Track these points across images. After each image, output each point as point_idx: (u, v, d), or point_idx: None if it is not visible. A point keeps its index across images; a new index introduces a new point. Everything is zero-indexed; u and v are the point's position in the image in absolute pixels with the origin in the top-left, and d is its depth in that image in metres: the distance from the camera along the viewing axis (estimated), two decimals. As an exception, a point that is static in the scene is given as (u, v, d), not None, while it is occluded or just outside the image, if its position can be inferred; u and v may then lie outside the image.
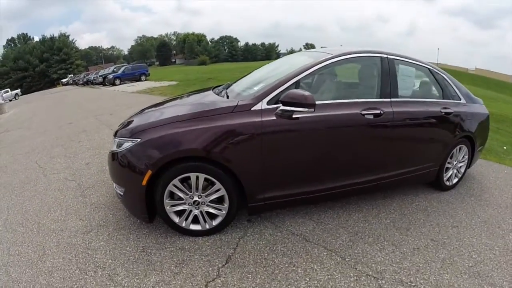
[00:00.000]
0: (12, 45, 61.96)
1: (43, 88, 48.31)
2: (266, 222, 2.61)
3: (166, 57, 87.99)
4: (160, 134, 2.09)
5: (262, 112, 2.18)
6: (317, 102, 2.22)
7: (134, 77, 25.16)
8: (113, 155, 2.23)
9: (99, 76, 28.04)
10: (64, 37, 59.08)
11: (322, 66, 2.49)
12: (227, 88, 2.95)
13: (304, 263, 2.10)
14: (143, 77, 25.41)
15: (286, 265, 2.07)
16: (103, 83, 25.56)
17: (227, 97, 2.54)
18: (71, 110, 11.56)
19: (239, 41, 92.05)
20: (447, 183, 3.28)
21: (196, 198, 2.22)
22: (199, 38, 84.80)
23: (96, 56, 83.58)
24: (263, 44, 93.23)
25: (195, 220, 2.30)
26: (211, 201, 2.26)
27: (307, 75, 2.42)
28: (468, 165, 3.41)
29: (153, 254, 2.14)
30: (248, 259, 2.11)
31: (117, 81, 24.18)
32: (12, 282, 2.02)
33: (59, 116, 10.32)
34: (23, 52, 53.92)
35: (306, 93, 2.13)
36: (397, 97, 2.72)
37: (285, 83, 2.30)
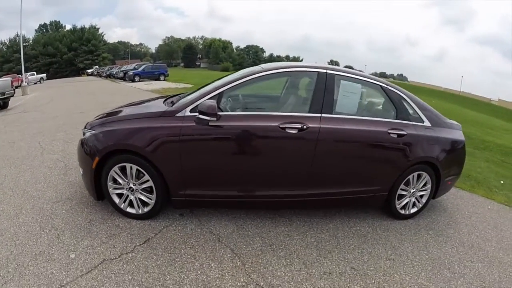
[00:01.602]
0: (44, 30, 65.74)
1: (69, 75, 51.18)
2: (194, 218, 2.90)
3: (191, 60, 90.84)
4: (106, 129, 2.68)
5: (184, 118, 2.53)
6: (235, 113, 2.67)
7: (153, 76, 26.47)
8: (80, 142, 2.89)
9: (121, 71, 29.63)
10: (94, 29, 62.62)
11: (248, 80, 2.69)
12: (185, 96, 3.09)
13: (205, 258, 2.33)
14: (161, 77, 26.69)
15: (189, 256, 2.35)
16: (123, 78, 27.02)
17: (173, 104, 2.81)
18: (85, 100, 12.62)
19: (264, 51, 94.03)
20: (402, 212, 3.10)
21: (131, 185, 2.69)
22: (225, 45, 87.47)
23: (124, 51, 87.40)
24: (287, 57, 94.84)
25: (132, 205, 2.76)
26: (143, 190, 2.69)
27: (231, 87, 2.67)
28: (433, 195, 3.19)
29: (95, 226, 2.70)
30: (161, 244, 2.47)
31: (137, 78, 25.54)
32: (29, 223, 2.77)
33: (72, 104, 11.33)
34: (53, 39, 57.34)
35: (212, 103, 2.42)
36: (331, 113, 2.68)
37: (208, 94, 2.61)
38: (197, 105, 2.54)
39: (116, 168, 2.63)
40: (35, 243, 2.48)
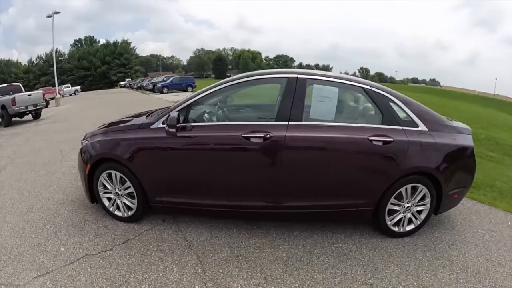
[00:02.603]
0: (79, 45, 72.34)
1: (103, 87, 55.35)
2: (174, 224, 3.11)
3: (221, 71, 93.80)
4: (97, 140, 3.09)
5: (156, 130, 2.81)
6: (202, 124, 2.84)
7: (181, 87, 27.96)
8: (80, 150, 3.34)
9: (150, 83, 31.53)
10: (126, 43, 67.85)
11: (214, 91, 2.87)
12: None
13: (170, 262, 2.52)
14: (189, 88, 28.06)
15: (157, 259, 2.56)
16: (153, 90, 28.75)
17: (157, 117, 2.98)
18: (112, 111, 13.68)
19: (294, 61, 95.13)
20: (395, 229, 2.85)
21: (117, 191, 3.03)
22: (254, 55, 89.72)
23: (156, 64, 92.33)
24: (317, 66, 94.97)
25: (119, 208, 3.10)
26: (127, 195, 3.02)
27: (198, 99, 2.85)
28: (435, 211, 2.90)
29: (87, 225, 3.11)
30: (137, 246, 2.74)
31: (165, 90, 27.13)
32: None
33: (99, 116, 12.36)
34: (87, 53, 62.88)
35: (173, 115, 2.63)
36: (300, 120, 2.65)
37: (178, 106, 2.83)
38: (168, 117, 2.77)
39: (104, 174, 3.03)
40: (36, 237, 2.96)
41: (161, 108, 3.50)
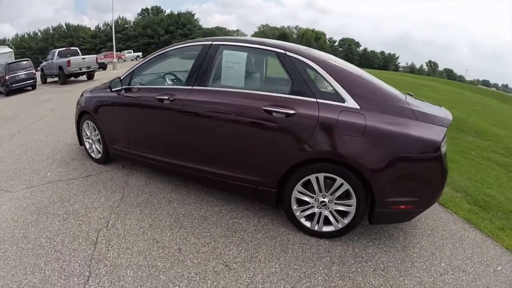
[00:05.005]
0: (145, 14, 77.03)
1: (168, 56, 58.62)
2: (127, 170, 3.84)
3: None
4: (84, 95, 4.00)
5: (112, 90, 3.42)
6: (137, 87, 3.29)
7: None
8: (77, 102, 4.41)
9: (203, 54, 33.25)
10: (189, 15, 71.15)
11: (148, 60, 3.37)
12: None
13: (103, 194, 3.25)
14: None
15: (96, 191, 3.33)
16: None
17: None
18: (154, 79, 15.23)
19: (360, 45, 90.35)
20: (307, 224, 2.51)
21: (92, 137, 4.03)
22: (318, 36, 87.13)
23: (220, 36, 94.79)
24: (382, 53, 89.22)
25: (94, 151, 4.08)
26: (98, 141, 3.90)
27: (138, 67, 3.39)
28: (369, 217, 2.40)
29: (72, 161, 4.23)
30: (92, 180, 3.60)
31: (216, 63, 28.37)
32: (25, 155, 4.65)
33: (141, 82, 13.94)
34: (152, 22, 67.10)
35: (113, 79, 3.33)
36: (204, 86, 2.80)
37: (126, 73, 3.43)
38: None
39: (85, 123, 4.04)
40: (37, 165, 4.20)
41: None
